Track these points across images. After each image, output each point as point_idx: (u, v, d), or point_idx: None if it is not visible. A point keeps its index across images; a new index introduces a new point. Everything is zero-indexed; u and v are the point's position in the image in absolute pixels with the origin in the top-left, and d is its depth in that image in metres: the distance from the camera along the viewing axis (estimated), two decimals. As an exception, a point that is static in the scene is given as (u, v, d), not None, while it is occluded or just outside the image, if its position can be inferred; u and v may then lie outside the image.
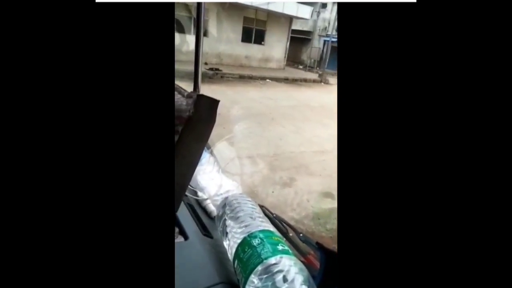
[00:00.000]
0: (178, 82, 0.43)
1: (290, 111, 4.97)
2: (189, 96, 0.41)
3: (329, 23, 13.30)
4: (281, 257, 0.37)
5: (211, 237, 0.53)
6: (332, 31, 11.92)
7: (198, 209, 0.62)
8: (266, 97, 5.93)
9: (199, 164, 0.59)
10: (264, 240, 0.40)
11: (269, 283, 0.35)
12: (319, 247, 0.41)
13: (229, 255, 0.44)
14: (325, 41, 13.16)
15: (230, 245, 0.44)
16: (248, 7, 8.73)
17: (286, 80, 8.78)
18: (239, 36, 9.54)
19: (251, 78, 8.01)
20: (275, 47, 10.61)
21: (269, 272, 0.36)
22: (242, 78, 7.85)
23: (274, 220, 0.55)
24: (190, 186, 0.66)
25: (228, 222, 0.48)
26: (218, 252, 0.48)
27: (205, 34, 8.04)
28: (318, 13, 13.89)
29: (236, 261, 0.41)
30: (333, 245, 0.41)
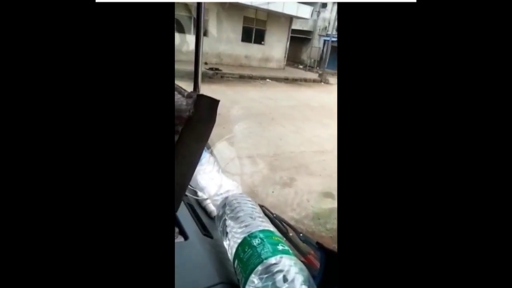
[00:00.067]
0: (178, 82, 0.43)
1: (290, 111, 4.97)
2: (189, 96, 0.41)
3: (329, 23, 13.29)
4: (281, 257, 0.37)
5: (211, 237, 0.53)
6: (332, 31, 11.92)
7: (198, 209, 0.62)
8: (266, 97, 5.93)
9: (199, 164, 0.59)
10: (264, 240, 0.40)
11: (269, 283, 0.35)
12: (319, 247, 0.41)
13: (229, 255, 0.44)
14: (325, 41, 13.16)
15: (230, 245, 0.44)
16: (248, 7, 8.72)
17: (286, 80, 8.78)
18: (239, 36, 9.54)
19: (251, 78, 8.01)
20: (275, 47, 10.61)
21: (269, 272, 0.36)
22: (242, 78, 7.85)
23: (274, 220, 0.55)
24: (190, 186, 0.66)
25: (228, 222, 0.48)
26: (218, 252, 0.48)
27: (205, 34, 8.04)
28: (318, 12, 13.89)
29: (236, 261, 0.41)
30: (333, 245, 0.41)
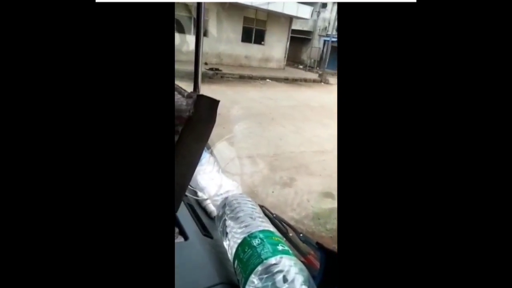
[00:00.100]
0: (178, 82, 0.43)
1: (290, 111, 4.97)
2: (189, 96, 0.41)
3: (329, 23, 13.29)
4: (281, 257, 0.37)
5: (211, 237, 0.53)
6: (332, 31, 11.92)
7: (198, 209, 0.62)
8: (266, 97, 5.93)
9: (199, 164, 0.59)
10: (264, 240, 0.40)
11: (269, 283, 0.35)
12: (319, 247, 0.41)
13: (229, 255, 0.44)
14: (325, 41, 13.16)
15: (230, 245, 0.44)
16: (248, 7, 8.73)
17: (286, 80, 8.78)
18: (239, 36, 9.55)
19: (251, 78, 8.01)
20: (275, 47, 10.61)
21: (269, 272, 0.36)
22: (242, 78, 7.85)
23: (274, 220, 0.55)
24: (190, 186, 0.66)
25: (228, 222, 0.48)
26: (218, 252, 0.48)
27: (205, 34, 8.04)
28: (318, 13, 13.89)
29: (236, 261, 0.41)
30: (333, 245, 0.41)
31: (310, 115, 4.94)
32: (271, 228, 0.45)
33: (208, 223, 0.57)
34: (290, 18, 10.24)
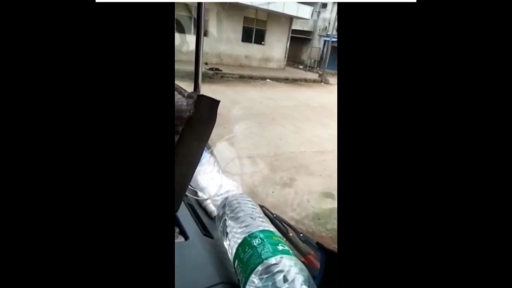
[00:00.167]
0: (178, 82, 0.43)
1: (290, 111, 4.97)
2: (189, 96, 0.41)
3: (329, 23, 13.30)
4: (281, 257, 0.37)
5: (212, 237, 0.53)
6: (332, 31, 11.93)
7: (199, 209, 0.62)
8: (266, 97, 5.93)
9: (200, 164, 0.59)
10: (265, 240, 0.40)
11: (270, 283, 0.35)
12: (319, 247, 0.41)
13: (229, 255, 0.44)
14: (325, 41, 13.17)
15: (230, 245, 0.44)
16: (248, 7, 8.73)
17: (286, 80, 8.78)
18: (239, 36, 9.55)
19: (251, 78, 8.01)
20: (275, 47, 10.61)
21: (269, 272, 0.36)
22: (242, 78, 7.85)
23: (274, 220, 0.55)
24: (190, 186, 0.66)
25: (229, 222, 0.48)
26: (219, 252, 0.48)
27: (205, 34, 8.04)
28: (318, 13, 13.90)
29: (236, 261, 0.41)
30: (333, 245, 0.41)
31: (310, 115, 4.94)
32: (271, 228, 0.45)
33: (209, 223, 0.57)
34: (290, 18, 10.24)
